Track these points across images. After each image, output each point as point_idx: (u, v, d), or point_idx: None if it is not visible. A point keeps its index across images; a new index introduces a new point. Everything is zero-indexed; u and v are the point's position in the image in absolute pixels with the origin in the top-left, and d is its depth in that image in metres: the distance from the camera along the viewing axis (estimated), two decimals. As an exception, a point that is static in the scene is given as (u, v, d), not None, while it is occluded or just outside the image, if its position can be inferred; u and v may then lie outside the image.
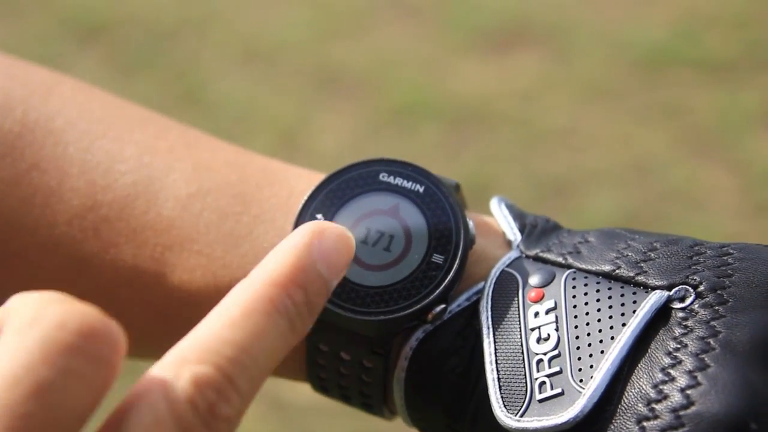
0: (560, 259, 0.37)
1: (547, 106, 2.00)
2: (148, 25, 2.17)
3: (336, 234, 0.33)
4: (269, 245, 0.39)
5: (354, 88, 2.02)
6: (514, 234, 0.39)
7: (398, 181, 0.40)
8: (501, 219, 0.40)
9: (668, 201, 1.79)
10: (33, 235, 0.40)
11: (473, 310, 0.38)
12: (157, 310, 0.40)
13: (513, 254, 0.38)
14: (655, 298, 0.35)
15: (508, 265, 0.38)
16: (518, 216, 0.40)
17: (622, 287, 0.36)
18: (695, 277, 0.35)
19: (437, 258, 0.38)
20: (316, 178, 0.40)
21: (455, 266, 0.38)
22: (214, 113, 1.94)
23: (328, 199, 0.39)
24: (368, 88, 2.02)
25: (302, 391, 1.44)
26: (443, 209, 0.39)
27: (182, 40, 2.14)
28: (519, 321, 0.36)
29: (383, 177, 0.40)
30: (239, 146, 0.43)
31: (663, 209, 1.77)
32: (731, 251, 0.36)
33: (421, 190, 0.39)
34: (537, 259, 0.38)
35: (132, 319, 0.40)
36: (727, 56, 2.08)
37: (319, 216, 0.39)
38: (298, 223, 0.39)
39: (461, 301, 0.38)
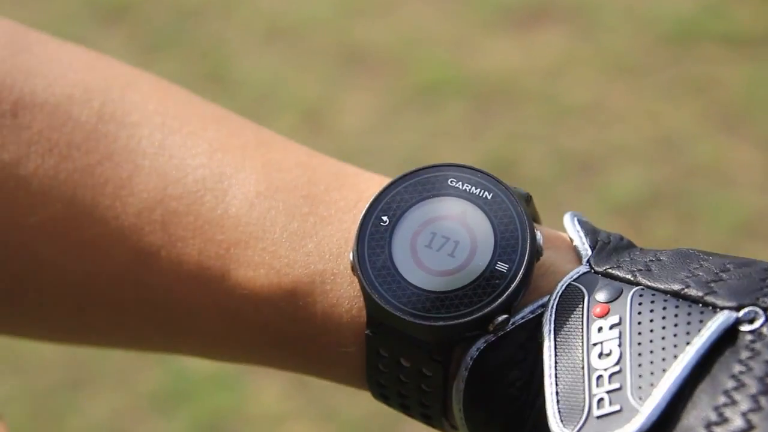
0: (629, 276, 0.37)
1: (572, 82, 1.98)
2: (172, 3, 2.17)
3: None
4: (335, 247, 0.39)
5: (378, 66, 2.02)
6: (584, 249, 0.38)
7: (466, 187, 0.39)
8: (573, 233, 0.39)
9: (694, 177, 1.78)
10: (103, 225, 0.40)
11: (537, 323, 0.37)
12: (220, 306, 0.40)
13: (582, 269, 0.38)
14: (722, 319, 0.34)
15: (575, 279, 0.37)
16: (591, 231, 0.39)
17: (689, 306, 0.35)
18: (766, 300, 0.34)
19: (501, 266, 0.37)
20: (387, 181, 0.40)
21: (519, 276, 0.37)
22: (237, 92, 1.94)
23: (394, 201, 0.39)
24: (393, 66, 2.02)
25: (326, 369, 1.45)
26: (510, 218, 0.38)
27: (206, 19, 2.14)
28: (582, 335, 0.36)
29: (452, 182, 0.39)
30: (311, 149, 0.43)
31: (689, 185, 1.76)
32: None
33: (489, 197, 0.39)
34: (606, 275, 0.37)
35: (195, 314, 0.40)
36: (755, 31, 2.06)
37: (384, 218, 0.39)
38: (363, 225, 0.38)
39: (525, 313, 0.37)
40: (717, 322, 0.34)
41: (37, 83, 0.41)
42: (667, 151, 1.83)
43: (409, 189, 0.39)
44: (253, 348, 0.41)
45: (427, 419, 0.40)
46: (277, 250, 0.39)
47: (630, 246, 0.39)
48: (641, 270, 0.37)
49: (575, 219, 0.40)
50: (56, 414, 1.45)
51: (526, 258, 0.37)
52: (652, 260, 0.37)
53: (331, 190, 0.40)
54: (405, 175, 0.40)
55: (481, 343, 0.37)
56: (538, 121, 1.90)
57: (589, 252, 0.38)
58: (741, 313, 0.34)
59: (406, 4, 2.18)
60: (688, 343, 0.34)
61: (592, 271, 0.38)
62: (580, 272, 0.37)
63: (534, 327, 0.37)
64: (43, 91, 0.41)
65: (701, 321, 0.34)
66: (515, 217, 0.38)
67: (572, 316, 0.36)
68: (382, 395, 0.41)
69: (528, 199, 0.39)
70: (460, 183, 0.39)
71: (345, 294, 0.39)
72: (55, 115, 0.41)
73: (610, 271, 0.37)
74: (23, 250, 0.41)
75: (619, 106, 1.93)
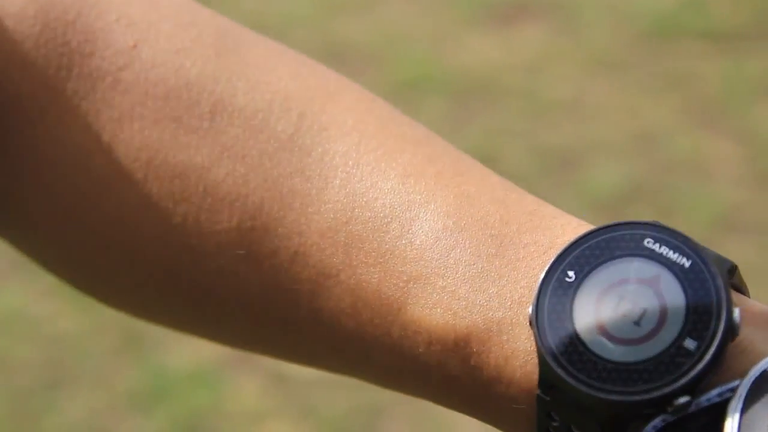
0: None
1: (552, 77, 1.99)
2: (151, 1, 2.17)
3: None
4: (518, 294, 0.36)
5: (359, 63, 2.02)
6: None
7: (663, 250, 0.35)
8: None
9: (673, 171, 1.79)
10: (286, 241, 0.39)
11: (723, 408, 0.33)
12: (393, 339, 0.38)
13: None
14: None
15: None
16: None
17: None
18: None
19: (690, 343, 0.34)
20: (585, 229, 0.37)
21: (708, 357, 0.33)
22: (217, 89, 1.94)
23: (583, 256, 0.36)
24: (374, 63, 2.02)
25: (305, 365, 1.45)
26: (707, 290, 0.35)
27: (186, 17, 2.14)
28: None
29: (648, 243, 0.36)
30: (513, 183, 0.40)
31: (668, 179, 1.77)
32: None
33: (687, 264, 0.35)
34: None
35: (369, 344, 0.39)
36: (733, 25, 2.07)
37: (570, 273, 0.36)
38: (547, 277, 0.35)
39: (712, 395, 0.34)
40: None
41: (238, 87, 0.40)
42: (646, 145, 1.83)
43: (602, 244, 0.36)
44: (426, 387, 0.39)
45: None
46: (457, 291, 0.37)
47: None
48: None
49: None
50: (34, 414, 1.44)
51: (718, 338, 0.34)
52: None
53: (523, 232, 0.37)
54: (599, 229, 0.36)
55: (658, 422, 0.34)
56: (518, 117, 1.90)
57: None
58: None
59: (386, 1, 2.18)
60: None
61: None
62: None
63: (719, 412, 0.33)
64: (243, 96, 0.40)
65: None
66: (712, 289, 0.34)
67: (762, 407, 0.33)
68: None
69: (732, 270, 0.36)
70: (658, 245, 0.36)
71: (521, 347, 0.36)
72: (252, 122, 0.40)
73: None
74: (205, 257, 0.40)
75: (599, 102, 1.93)
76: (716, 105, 1.91)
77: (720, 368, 0.34)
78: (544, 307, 0.35)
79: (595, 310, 0.35)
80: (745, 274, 0.37)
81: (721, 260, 0.35)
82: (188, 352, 1.50)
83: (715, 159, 1.81)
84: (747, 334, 0.35)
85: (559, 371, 0.34)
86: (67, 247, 0.42)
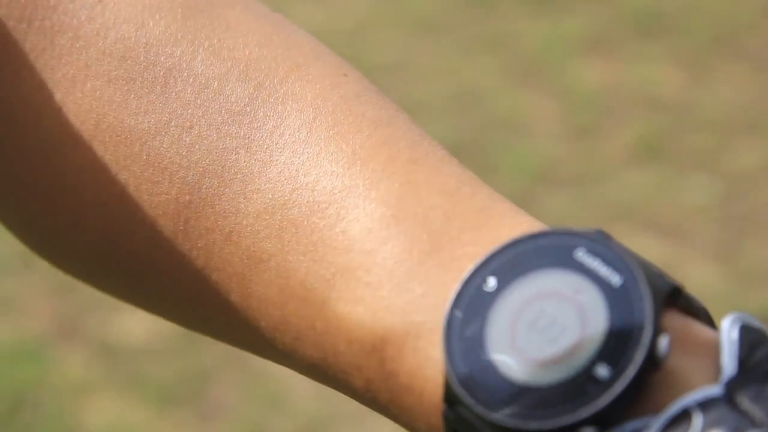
0: (761, 416, 0.30)
1: (376, 42, 2.00)
2: None
3: None
4: (442, 299, 0.33)
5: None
6: (730, 366, 0.31)
7: (595, 263, 0.32)
8: (724, 343, 0.31)
9: (494, 128, 1.83)
10: (222, 219, 0.37)
11: None
12: (317, 333, 0.36)
13: (712, 391, 0.30)
14: None
15: (700, 404, 0.30)
16: (752, 345, 0.31)
17: None
18: None
19: (603, 370, 0.31)
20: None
21: (620, 387, 0.30)
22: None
23: (510, 262, 0.33)
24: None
25: (132, 332, 1.43)
26: (632, 313, 0.31)
27: None
28: None
29: (579, 254, 0.32)
30: (476, 176, 0.37)
31: (489, 137, 1.81)
32: None
33: (618, 282, 0.32)
34: (735, 405, 0.30)
35: (294, 335, 0.37)
36: (550, -13, 2.12)
37: (492, 281, 0.32)
38: (467, 283, 0.32)
39: (625, 430, 0.30)
40: None
41: (199, 51, 0.38)
42: (468, 105, 1.87)
43: (530, 252, 0.33)
44: (350, 388, 0.37)
45: None
46: (380, 290, 0.34)
47: None
48: None
49: (737, 325, 0.32)
50: None
51: (634, 367, 0.30)
52: None
53: (466, 230, 0.34)
54: (534, 235, 0.33)
55: None
56: (343, 82, 1.91)
57: (733, 372, 0.31)
58: None
59: (207, -32, 2.16)
60: None
61: (723, 396, 0.30)
62: (708, 396, 0.30)
63: None
64: (202, 63, 0.38)
65: None
66: (639, 312, 0.31)
67: None
68: None
69: (674, 293, 0.32)
70: (590, 257, 0.32)
71: (435, 357, 0.33)
72: (206, 90, 0.38)
73: (739, 402, 0.30)
74: (143, 228, 0.38)
75: (421, 64, 1.96)
76: (534, 64, 1.96)
77: (641, 400, 0.31)
78: (457, 316, 0.32)
79: (511, 322, 0.32)
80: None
81: (662, 280, 0.32)
82: (10, 327, 1.47)
83: (534, 115, 1.85)
84: (683, 365, 0.31)
85: (457, 388, 0.31)
86: (18, 208, 0.41)
